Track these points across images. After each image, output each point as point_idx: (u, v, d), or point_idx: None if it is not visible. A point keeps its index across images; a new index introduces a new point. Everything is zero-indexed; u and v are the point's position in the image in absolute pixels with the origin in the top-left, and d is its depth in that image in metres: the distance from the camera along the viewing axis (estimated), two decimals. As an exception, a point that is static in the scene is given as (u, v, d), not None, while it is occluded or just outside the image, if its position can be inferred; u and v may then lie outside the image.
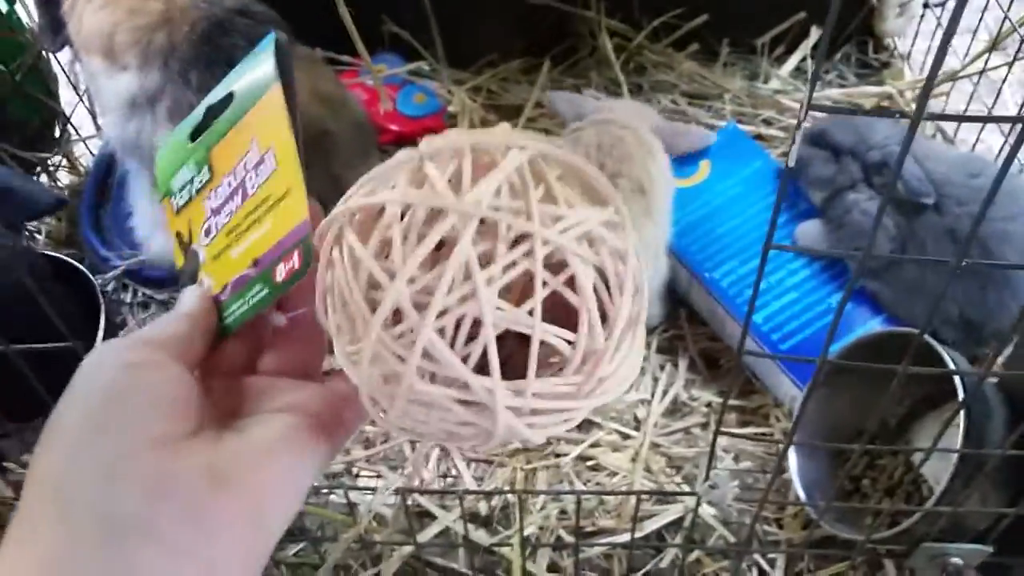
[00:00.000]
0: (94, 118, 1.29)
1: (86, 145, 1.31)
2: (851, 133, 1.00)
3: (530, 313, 0.34)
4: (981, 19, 1.18)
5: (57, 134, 1.30)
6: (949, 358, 0.79)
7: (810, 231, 1.03)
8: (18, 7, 1.23)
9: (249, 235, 0.42)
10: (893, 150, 0.96)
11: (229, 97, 0.43)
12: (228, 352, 0.43)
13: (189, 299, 0.43)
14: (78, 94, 1.27)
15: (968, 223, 0.91)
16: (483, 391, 0.34)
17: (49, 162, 1.27)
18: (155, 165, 0.47)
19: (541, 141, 0.37)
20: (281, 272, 0.40)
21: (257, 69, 0.42)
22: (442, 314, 0.33)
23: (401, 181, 0.36)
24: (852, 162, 1.00)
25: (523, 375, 0.34)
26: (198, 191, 0.44)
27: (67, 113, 1.28)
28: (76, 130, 1.29)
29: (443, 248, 0.34)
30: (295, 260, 0.39)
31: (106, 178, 1.21)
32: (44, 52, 1.23)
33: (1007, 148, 1.00)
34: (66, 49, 1.06)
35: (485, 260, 0.34)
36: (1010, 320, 0.92)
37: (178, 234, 0.46)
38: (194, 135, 0.45)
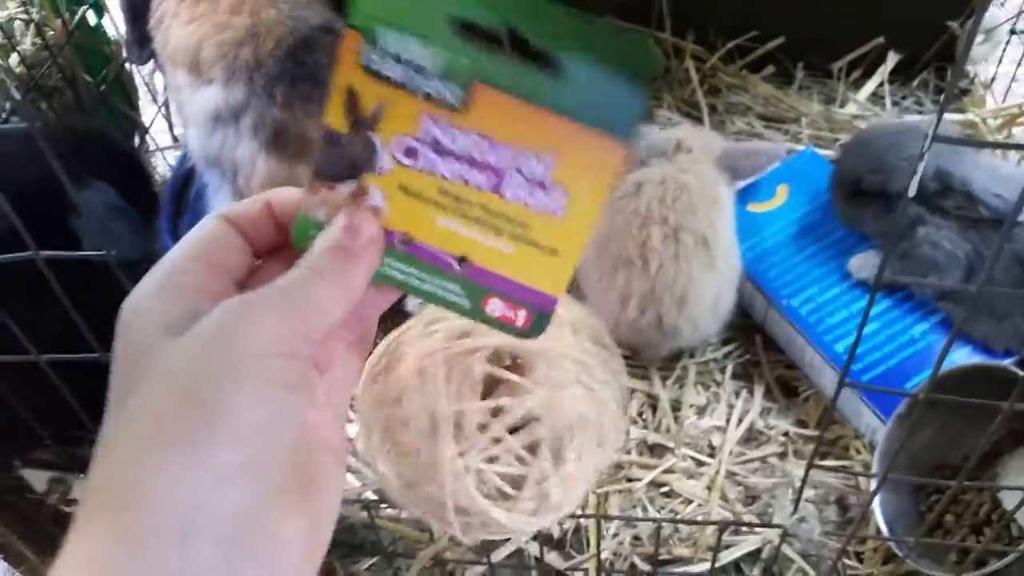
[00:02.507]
0: (172, 130, 1.32)
1: (163, 156, 1.33)
2: (888, 172, 0.95)
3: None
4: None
5: (136, 144, 1.32)
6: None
7: (868, 263, 1.00)
8: (106, 20, 1.26)
9: (474, 228, 0.36)
10: (950, 172, 0.91)
11: (561, 66, 0.32)
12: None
13: (361, 242, 0.35)
14: (158, 106, 1.29)
15: None
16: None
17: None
18: None
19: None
20: (495, 309, 0.36)
21: (617, 100, 0.32)
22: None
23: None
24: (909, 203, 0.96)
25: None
26: (428, 98, 0.33)
27: (146, 124, 1.30)
28: (155, 141, 1.31)
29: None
30: (520, 319, 0.36)
31: (183, 190, 1.23)
32: (128, 64, 1.26)
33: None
34: (149, 62, 1.08)
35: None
36: None
37: (352, 92, 0.34)
38: (463, 29, 0.32)
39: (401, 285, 0.37)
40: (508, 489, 0.52)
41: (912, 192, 0.44)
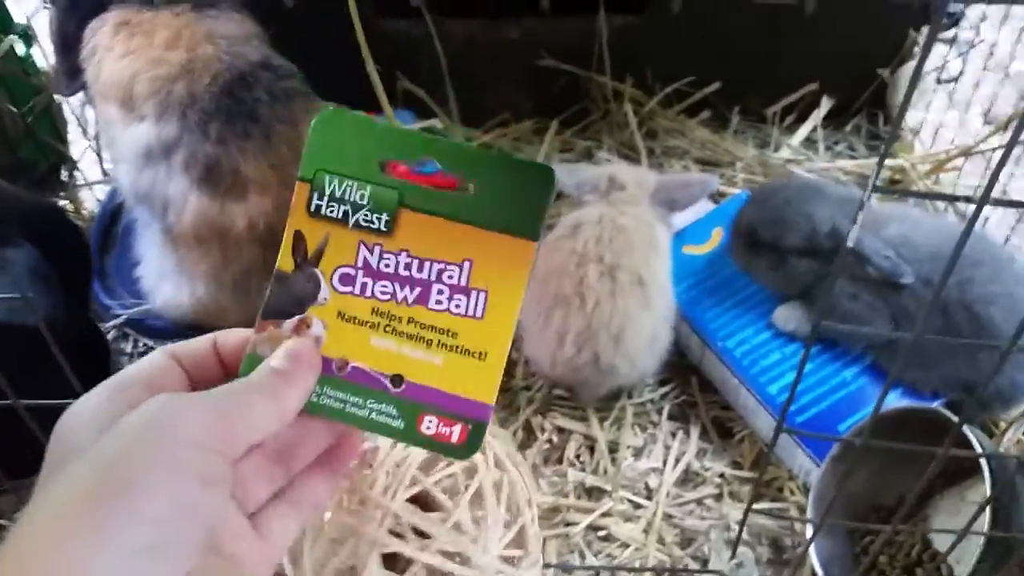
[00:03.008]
0: (101, 164, 1.29)
1: (91, 191, 1.29)
2: (783, 226, 0.97)
3: None
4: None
5: (64, 178, 1.29)
6: (975, 438, 0.78)
7: (791, 315, 1.02)
8: (35, 50, 1.22)
9: (406, 344, 0.39)
10: (842, 232, 0.93)
11: (471, 178, 0.38)
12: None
13: (300, 365, 0.38)
14: (87, 138, 1.26)
15: (957, 292, 0.91)
16: None
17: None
18: (310, 137, 0.40)
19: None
20: (430, 427, 0.38)
21: (526, 198, 0.38)
22: None
23: None
24: (803, 260, 0.97)
25: None
26: (361, 227, 0.39)
27: (75, 158, 1.27)
28: (83, 175, 1.28)
29: None
30: (455, 434, 0.38)
31: (111, 226, 1.20)
32: (57, 97, 1.22)
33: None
34: (78, 95, 1.06)
35: None
36: (1008, 380, 0.92)
37: (298, 233, 0.39)
38: (383, 169, 0.39)
39: (337, 413, 0.39)
40: None
41: (851, 243, 0.44)
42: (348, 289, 0.39)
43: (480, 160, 0.38)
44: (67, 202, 1.26)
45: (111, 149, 1.03)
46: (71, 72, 1.02)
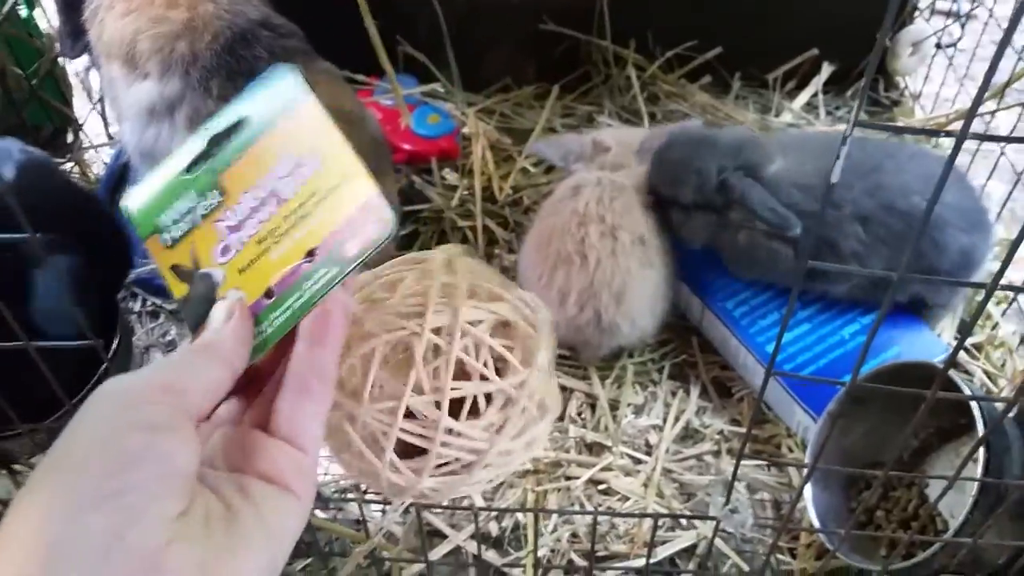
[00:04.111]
0: (106, 126, 1.29)
1: (97, 152, 1.30)
2: (676, 184, 0.98)
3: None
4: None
5: (70, 140, 1.29)
6: (968, 390, 0.79)
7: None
8: (37, 12, 1.23)
9: (293, 233, 0.43)
10: (732, 185, 0.95)
11: (239, 124, 0.45)
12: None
13: (224, 325, 0.42)
14: (91, 101, 1.27)
15: (871, 202, 0.92)
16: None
17: (61, 168, 1.26)
18: (129, 209, 0.46)
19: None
20: (353, 247, 0.42)
21: (277, 93, 0.45)
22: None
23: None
24: (699, 214, 0.99)
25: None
26: (205, 215, 0.45)
27: (80, 120, 1.27)
28: (88, 137, 1.28)
29: None
30: (373, 230, 0.42)
31: (117, 185, 1.20)
32: (61, 58, 1.23)
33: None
34: (82, 56, 1.06)
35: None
36: (949, 258, 0.93)
37: (175, 267, 0.45)
38: (191, 166, 0.45)
39: (290, 320, 0.43)
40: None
41: (835, 178, 0.44)
42: (230, 255, 0.44)
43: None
44: (73, 164, 1.27)
45: (115, 107, 1.03)
46: (74, 33, 1.03)
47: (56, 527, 0.32)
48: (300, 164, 0.43)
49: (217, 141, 0.45)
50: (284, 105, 0.44)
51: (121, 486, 0.33)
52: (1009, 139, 0.47)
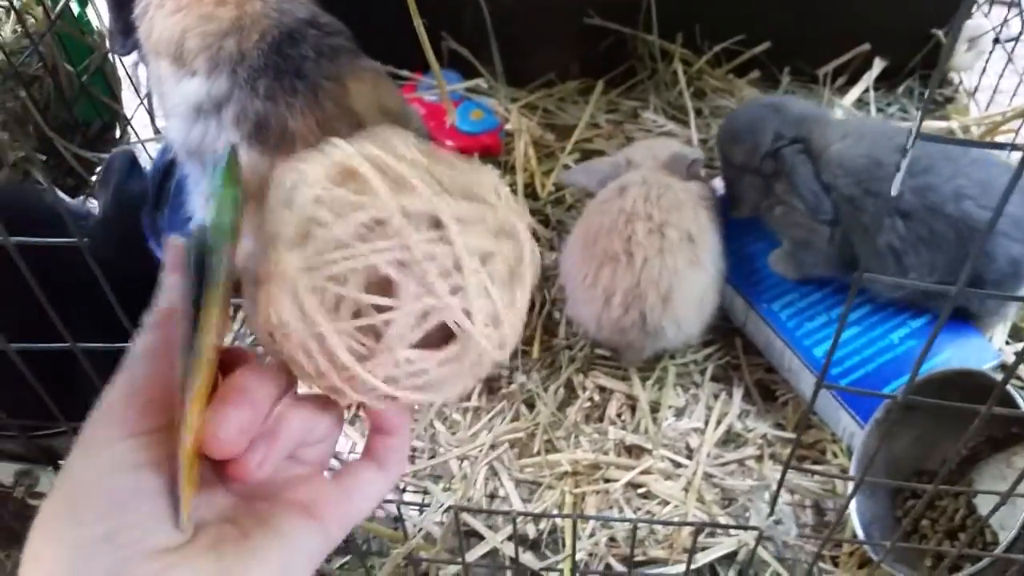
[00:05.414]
0: (153, 121, 1.31)
1: (144, 148, 1.32)
2: (732, 144, 1.00)
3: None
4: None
5: (118, 135, 1.31)
6: (1021, 399, 0.77)
7: (780, 257, 1.03)
8: (89, 10, 1.25)
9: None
10: (784, 158, 0.95)
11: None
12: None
13: None
14: (139, 97, 1.28)
15: (913, 199, 0.90)
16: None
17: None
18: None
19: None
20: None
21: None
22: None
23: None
24: (746, 176, 1.00)
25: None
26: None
27: (127, 116, 1.29)
28: (136, 133, 1.30)
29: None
30: None
31: (163, 181, 1.22)
32: (110, 55, 1.25)
33: None
34: (132, 53, 1.07)
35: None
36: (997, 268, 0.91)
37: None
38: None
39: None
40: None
41: (895, 191, 0.43)
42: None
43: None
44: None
45: (162, 105, 1.04)
46: (125, 30, 1.04)
47: (61, 571, 0.33)
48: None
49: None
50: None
51: (115, 526, 0.34)
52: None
